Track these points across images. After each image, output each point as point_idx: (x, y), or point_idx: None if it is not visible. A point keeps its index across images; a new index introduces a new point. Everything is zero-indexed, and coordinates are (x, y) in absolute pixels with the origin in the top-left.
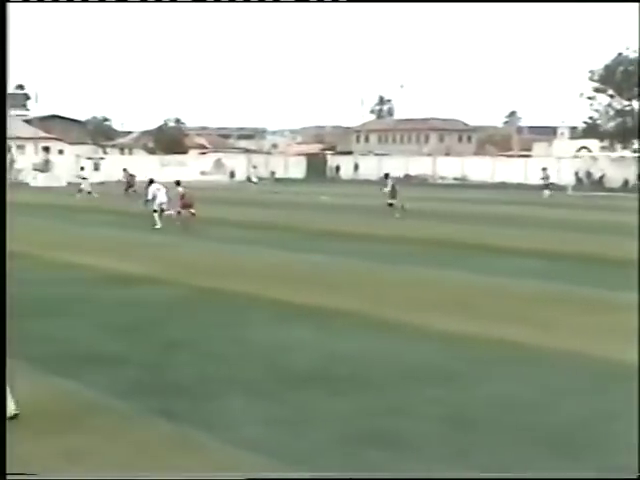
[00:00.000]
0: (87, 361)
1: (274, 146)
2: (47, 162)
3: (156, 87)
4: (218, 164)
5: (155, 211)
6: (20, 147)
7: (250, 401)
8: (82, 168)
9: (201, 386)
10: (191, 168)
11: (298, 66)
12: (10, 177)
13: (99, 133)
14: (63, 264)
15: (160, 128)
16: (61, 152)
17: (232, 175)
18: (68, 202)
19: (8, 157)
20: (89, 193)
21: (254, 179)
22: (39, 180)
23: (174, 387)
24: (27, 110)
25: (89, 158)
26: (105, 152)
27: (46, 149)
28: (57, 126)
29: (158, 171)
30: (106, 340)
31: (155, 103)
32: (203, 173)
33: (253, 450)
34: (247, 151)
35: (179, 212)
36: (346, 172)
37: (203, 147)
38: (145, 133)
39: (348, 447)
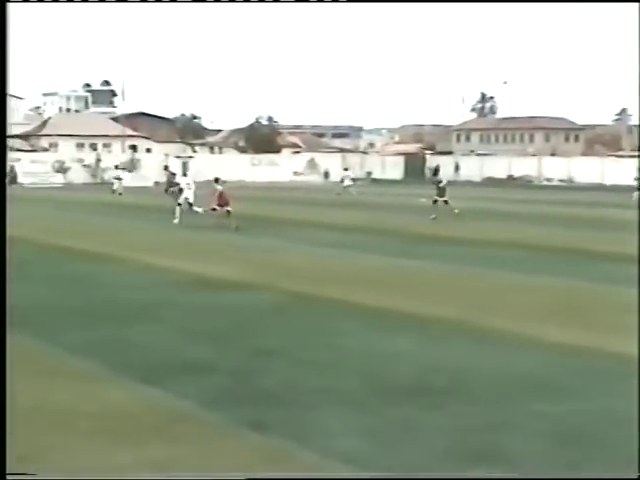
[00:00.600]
0: (174, 369)
1: (370, 145)
2: (134, 161)
3: (248, 84)
4: (312, 164)
5: (179, 204)
6: (106, 145)
7: (344, 412)
8: (116, 167)
9: (293, 396)
10: (283, 168)
11: (397, 63)
12: (96, 176)
13: (188, 131)
14: (146, 267)
15: (252, 126)
16: (149, 151)
17: (326, 175)
18: (152, 202)
19: (95, 156)
20: (120, 194)
21: (347, 182)
22: (125, 179)
23: (265, 397)
24: (114, 107)
25: (177, 157)
26: (194, 151)
27: (133, 147)
28: (144, 124)
29: (249, 171)
30: (193, 347)
31: (247, 100)
32: (296, 173)
33: (346, 463)
34: (342, 150)
35: (214, 209)
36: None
37: (296, 146)
38: (236, 131)
39: (446, 464)
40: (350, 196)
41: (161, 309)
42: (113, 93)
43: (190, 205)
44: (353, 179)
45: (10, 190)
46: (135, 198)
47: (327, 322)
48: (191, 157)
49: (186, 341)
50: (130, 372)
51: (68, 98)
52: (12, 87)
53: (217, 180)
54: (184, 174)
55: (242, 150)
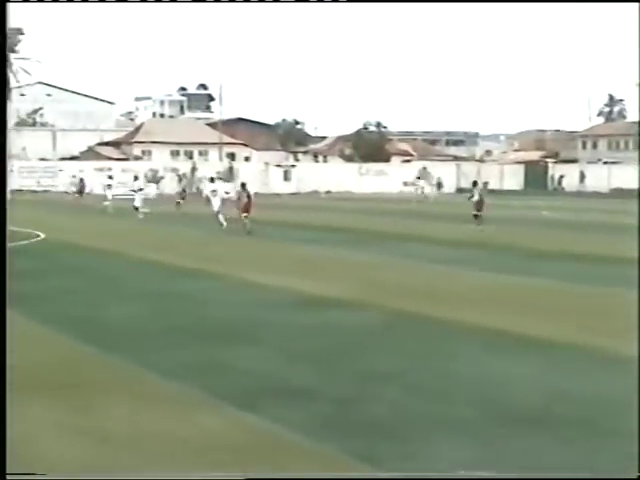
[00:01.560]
0: (275, 394)
1: (487, 153)
2: (232, 170)
3: (355, 87)
4: (423, 173)
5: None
6: (203, 153)
7: (458, 443)
8: (136, 178)
9: (405, 425)
10: (392, 178)
11: (516, 63)
12: (192, 186)
13: (290, 138)
14: (243, 283)
15: (358, 133)
16: (247, 159)
17: (439, 186)
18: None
19: (190, 164)
20: (136, 209)
21: (477, 197)
22: (222, 190)
23: (374, 425)
24: (210, 112)
25: (278, 166)
26: (296, 159)
27: (231, 156)
28: (243, 130)
29: (356, 180)
30: (295, 370)
31: (353, 105)
32: (406, 183)
33: None
34: (456, 159)
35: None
36: (570, 183)
37: (407, 154)
38: (341, 138)
39: None
40: (463, 208)
41: (261, 329)
42: (210, 97)
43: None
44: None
45: (84, 200)
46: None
47: (438, 344)
48: (293, 166)
49: (287, 364)
50: (227, 397)
51: (162, 103)
52: (102, 91)
53: (244, 185)
54: (211, 180)
55: (348, 158)
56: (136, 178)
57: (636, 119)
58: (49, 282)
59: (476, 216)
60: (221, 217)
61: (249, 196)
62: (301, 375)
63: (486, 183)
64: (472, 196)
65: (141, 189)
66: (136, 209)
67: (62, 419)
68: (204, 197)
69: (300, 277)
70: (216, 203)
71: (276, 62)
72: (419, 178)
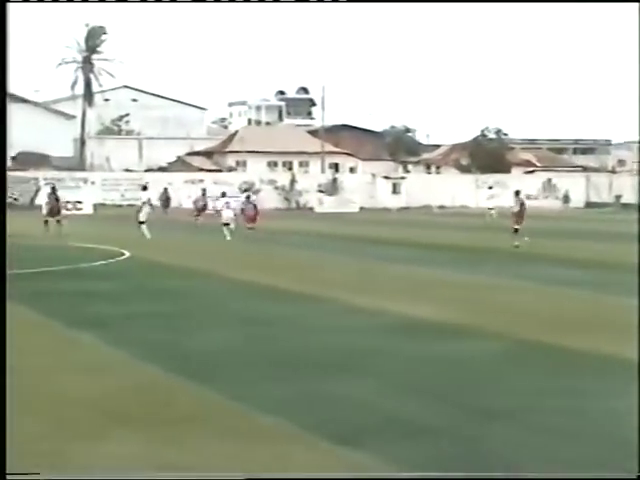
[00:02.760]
0: (384, 430)
1: (620, 163)
2: (335, 182)
3: (472, 90)
4: (548, 186)
5: (225, 224)
6: (303, 164)
7: None
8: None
9: (533, 469)
10: (513, 190)
11: None
12: (290, 200)
13: (399, 147)
14: (346, 307)
15: (476, 140)
16: (352, 170)
17: (566, 199)
18: (357, 232)
19: (289, 176)
20: (226, 225)
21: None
22: (325, 204)
23: (500, 469)
24: (312, 119)
25: (386, 177)
26: (407, 170)
27: (335, 166)
28: (348, 138)
29: (472, 193)
30: (406, 405)
31: (470, 110)
32: (528, 197)
33: None
34: (585, 169)
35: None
36: None
37: (529, 164)
38: (457, 147)
39: None
40: (592, 224)
41: (367, 358)
42: (311, 102)
43: (226, 225)
44: (601, 203)
45: (170, 215)
46: (332, 226)
47: (569, 379)
48: (403, 178)
49: (398, 397)
50: (330, 432)
51: (258, 108)
52: (193, 96)
53: (249, 197)
54: (223, 194)
55: (464, 169)
56: (223, 195)
57: None
58: (134, 305)
59: (516, 230)
60: (225, 230)
61: (255, 207)
62: (412, 410)
63: (619, 196)
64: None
65: (227, 203)
66: (226, 225)
67: (154, 454)
68: (216, 211)
69: (409, 300)
70: (226, 215)
71: (384, 63)
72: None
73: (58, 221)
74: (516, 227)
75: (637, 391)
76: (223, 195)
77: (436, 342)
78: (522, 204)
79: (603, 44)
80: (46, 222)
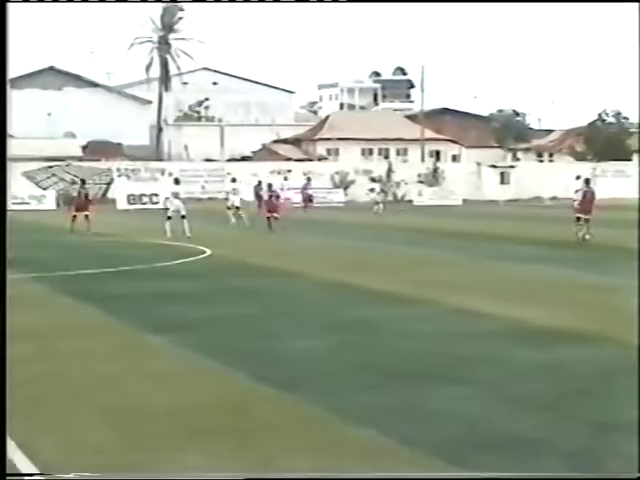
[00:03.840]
0: (489, 445)
1: None
2: (436, 171)
3: (587, 70)
4: None
5: (228, 208)
6: (401, 152)
7: None
8: (234, 180)
9: None
10: (635, 180)
11: None
12: (387, 192)
13: (508, 133)
14: (449, 310)
15: (593, 125)
16: (455, 158)
17: None
18: (462, 227)
19: (386, 165)
20: (169, 218)
21: None
22: (425, 196)
23: None
24: (410, 102)
25: (493, 166)
26: (516, 158)
27: (436, 154)
28: (450, 124)
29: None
30: (517, 418)
31: (586, 92)
32: None
33: None
34: None
35: (268, 218)
36: None
37: None
38: (572, 132)
39: None
40: None
41: (471, 366)
42: (410, 84)
43: (237, 208)
44: None
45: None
46: (434, 220)
47: None
48: (512, 166)
49: (507, 411)
50: (430, 448)
51: (351, 91)
52: (279, 78)
53: (270, 185)
54: (233, 180)
55: (580, 156)
56: (309, 180)
57: None
58: (215, 307)
59: (578, 219)
60: (230, 213)
61: (278, 197)
62: (524, 425)
63: None
64: None
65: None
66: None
67: (243, 469)
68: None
69: (519, 303)
70: (235, 199)
71: (489, 40)
72: None
73: (86, 216)
74: (581, 216)
75: None
76: (233, 181)
77: (548, 349)
78: (586, 193)
79: None
80: (74, 217)
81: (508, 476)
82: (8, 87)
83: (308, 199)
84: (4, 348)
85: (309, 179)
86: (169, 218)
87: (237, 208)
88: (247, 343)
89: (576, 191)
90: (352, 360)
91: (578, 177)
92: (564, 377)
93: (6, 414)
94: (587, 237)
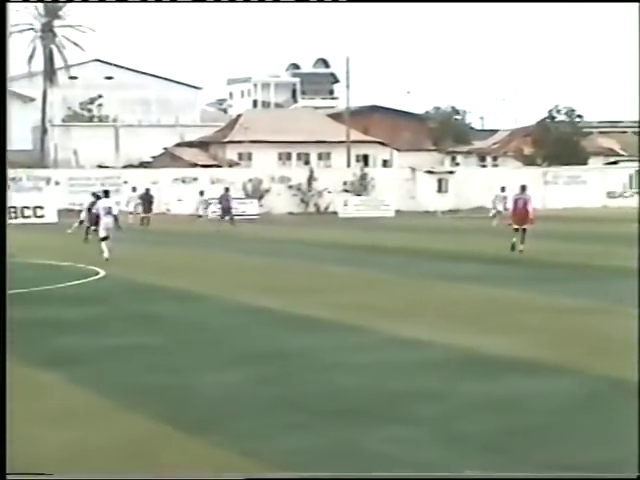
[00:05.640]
0: None
1: None
2: (365, 179)
3: (535, 63)
4: (637, 180)
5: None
6: (323, 156)
7: None
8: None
9: None
10: (592, 186)
11: None
12: (308, 202)
13: (446, 133)
14: (384, 339)
15: (542, 124)
16: (386, 163)
17: None
18: (394, 242)
19: (307, 171)
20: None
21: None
22: (352, 207)
23: None
24: (334, 99)
25: (429, 172)
26: (456, 163)
27: (364, 159)
28: (380, 123)
29: (539, 191)
30: (466, 461)
31: (534, 87)
32: (611, 195)
33: None
34: None
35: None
36: None
37: (612, 153)
38: (518, 132)
39: None
40: None
41: (411, 403)
42: (333, 78)
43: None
44: None
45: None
46: (362, 235)
47: None
48: (451, 172)
49: (452, 453)
50: None
51: (266, 86)
52: (183, 72)
53: (227, 189)
54: (105, 193)
55: (529, 161)
56: (227, 189)
57: None
58: (112, 337)
59: (516, 230)
60: (104, 246)
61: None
62: (467, 467)
63: None
64: None
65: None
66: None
67: None
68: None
69: (462, 329)
70: (106, 221)
71: (425, 27)
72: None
73: None
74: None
75: None
76: (106, 194)
77: (501, 381)
78: (517, 201)
79: None
80: None
81: (508, 476)
82: None
83: (228, 210)
84: (4, 347)
85: (227, 188)
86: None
87: (143, 220)
88: (150, 378)
89: (498, 198)
90: (272, 396)
91: (503, 189)
92: (516, 413)
93: (6, 414)
94: (521, 249)
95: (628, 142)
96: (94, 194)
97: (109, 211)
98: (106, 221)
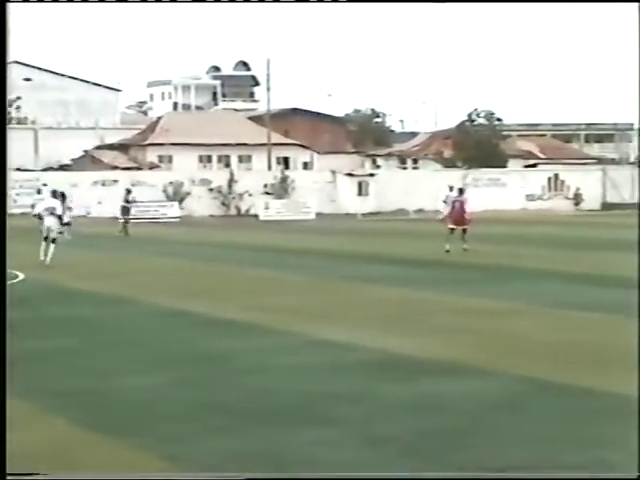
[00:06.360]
0: None
1: None
2: (285, 181)
3: (455, 67)
4: (555, 182)
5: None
6: (244, 158)
7: None
8: (54, 193)
9: None
10: (511, 189)
11: None
12: (229, 205)
13: (366, 136)
14: (304, 341)
15: (462, 127)
16: (307, 166)
17: (577, 199)
18: (315, 245)
19: (227, 174)
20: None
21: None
22: (272, 209)
23: None
24: (255, 101)
25: (350, 175)
26: (376, 165)
27: (285, 161)
28: (300, 126)
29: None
30: (389, 463)
31: (454, 90)
32: (530, 197)
33: None
34: (601, 162)
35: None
36: None
37: (530, 156)
38: (438, 135)
39: None
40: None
41: (332, 405)
42: (254, 81)
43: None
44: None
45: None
46: (282, 238)
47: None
48: (372, 175)
49: (375, 455)
50: None
51: (187, 89)
52: (103, 74)
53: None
54: (53, 194)
55: (449, 163)
56: (128, 191)
57: None
58: (30, 341)
59: (452, 230)
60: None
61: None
62: (388, 468)
63: None
64: None
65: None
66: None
67: None
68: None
69: (382, 331)
70: (49, 223)
71: (345, 30)
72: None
73: None
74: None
75: None
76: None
77: (417, 382)
78: (455, 203)
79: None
80: None
81: (510, 476)
82: None
83: (126, 213)
84: (4, 348)
85: (129, 190)
86: (45, 239)
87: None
88: (68, 382)
89: (444, 201)
90: (194, 399)
91: (451, 188)
92: (435, 415)
93: (6, 414)
94: (465, 248)
95: (546, 145)
96: (54, 192)
97: (52, 212)
98: (49, 222)
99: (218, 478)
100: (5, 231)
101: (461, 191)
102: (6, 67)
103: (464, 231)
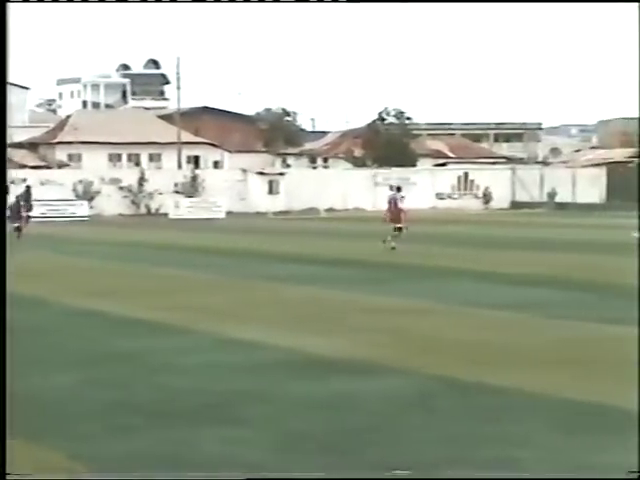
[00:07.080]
0: None
1: (554, 152)
2: (196, 180)
3: (365, 66)
4: (464, 181)
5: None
6: (154, 157)
7: None
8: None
9: None
10: (421, 188)
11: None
12: (139, 204)
13: (277, 135)
14: (218, 340)
15: (372, 126)
16: (217, 165)
17: (486, 198)
18: (224, 244)
19: (137, 173)
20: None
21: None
22: (183, 208)
23: None
24: (165, 100)
25: (260, 173)
26: (287, 164)
27: (195, 160)
28: (210, 125)
29: (369, 193)
30: (292, 460)
31: (365, 88)
32: (440, 196)
33: None
34: (510, 161)
35: None
36: None
37: (440, 155)
38: (349, 134)
39: None
40: (523, 229)
41: (243, 403)
42: (164, 79)
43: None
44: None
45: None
46: (191, 237)
47: (496, 423)
48: (282, 174)
49: (281, 452)
50: None
51: (96, 87)
52: (10, 71)
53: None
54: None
55: (359, 162)
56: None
57: None
58: None
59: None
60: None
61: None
62: (301, 467)
63: (553, 194)
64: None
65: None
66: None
67: None
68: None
69: (292, 329)
70: None
71: (255, 29)
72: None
73: None
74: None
75: None
76: None
77: (329, 381)
78: (391, 201)
79: (517, 17)
80: None
81: (505, 476)
82: None
83: (18, 214)
84: (4, 347)
85: (28, 187)
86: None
87: None
88: None
89: (388, 202)
90: (102, 399)
91: (391, 187)
92: (347, 413)
93: (6, 414)
94: (393, 246)
95: (455, 144)
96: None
97: None
98: None
99: (218, 478)
100: (5, 231)
101: (398, 189)
102: (6, 68)
103: (399, 229)
